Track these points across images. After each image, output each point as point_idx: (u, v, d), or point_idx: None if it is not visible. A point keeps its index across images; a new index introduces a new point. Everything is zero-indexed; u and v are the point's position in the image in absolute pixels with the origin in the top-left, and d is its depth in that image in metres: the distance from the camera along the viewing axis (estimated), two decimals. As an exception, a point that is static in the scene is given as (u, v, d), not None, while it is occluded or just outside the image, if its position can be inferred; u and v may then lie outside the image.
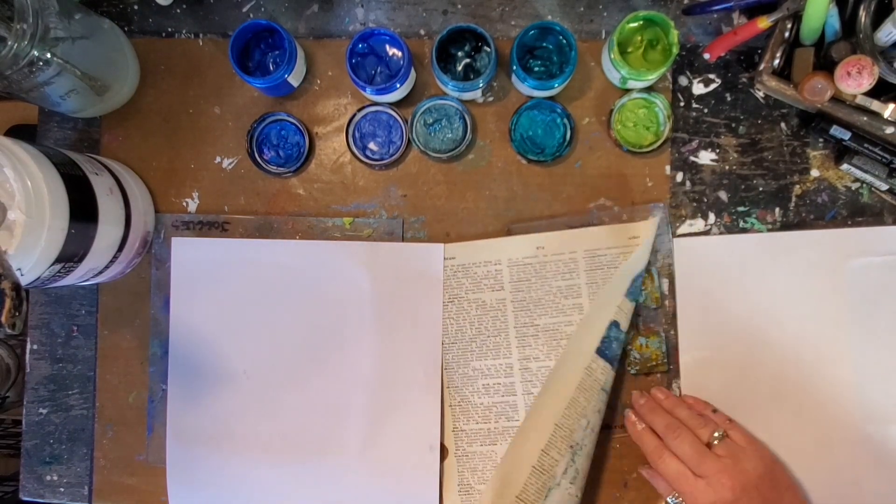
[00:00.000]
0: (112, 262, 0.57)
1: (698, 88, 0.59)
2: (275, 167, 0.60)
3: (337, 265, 0.60)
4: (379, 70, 0.59)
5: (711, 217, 0.59)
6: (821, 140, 0.59)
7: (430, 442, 0.58)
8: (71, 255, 0.50)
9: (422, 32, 0.61)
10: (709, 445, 0.53)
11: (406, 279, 0.59)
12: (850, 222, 0.59)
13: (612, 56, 0.54)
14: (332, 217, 0.60)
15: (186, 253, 0.61)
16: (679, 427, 0.54)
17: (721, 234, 0.59)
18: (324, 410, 0.60)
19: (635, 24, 0.55)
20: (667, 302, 0.59)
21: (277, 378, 0.60)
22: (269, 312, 0.60)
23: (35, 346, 0.63)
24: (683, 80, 0.59)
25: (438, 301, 0.59)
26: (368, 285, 0.60)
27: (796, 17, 0.53)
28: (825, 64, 0.53)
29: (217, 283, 0.61)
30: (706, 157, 0.59)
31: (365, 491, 0.59)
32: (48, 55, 0.49)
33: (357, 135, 0.60)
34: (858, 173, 0.57)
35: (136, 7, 0.62)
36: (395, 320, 0.59)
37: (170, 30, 0.62)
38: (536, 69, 0.58)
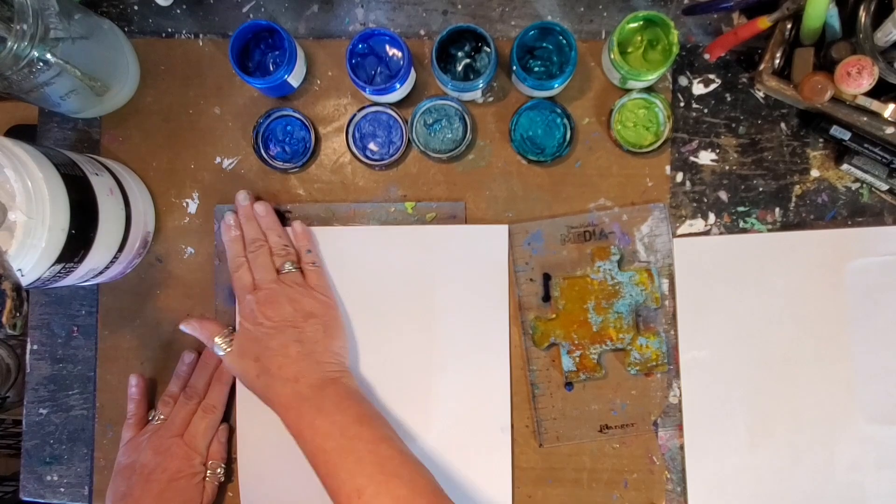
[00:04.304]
0: (112, 262, 0.57)
1: (698, 88, 0.59)
2: (281, 163, 0.60)
3: (402, 249, 0.60)
4: (379, 70, 0.59)
5: (711, 217, 0.59)
6: (821, 140, 0.59)
7: (501, 423, 0.59)
8: (71, 256, 0.50)
9: (422, 32, 0.61)
10: (279, 272, 0.56)
11: (472, 261, 0.59)
12: (850, 222, 0.59)
13: (612, 56, 0.54)
14: (394, 202, 0.60)
15: None
16: (264, 245, 0.56)
17: (721, 234, 0.59)
18: (397, 394, 0.60)
19: (635, 24, 0.55)
20: (667, 302, 0.59)
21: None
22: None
23: (35, 347, 0.63)
24: (683, 80, 0.59)
25: (504, 282, 0.59)
26: (434, 268, 0.60)
27: (796, 17, 0.53)
28: (825, 64, 0.53)
29: None
30: (706, 158, 0.59)
31: (436, 473, 0.59)
32: (48, 56, 0.49)
33: (357, 135, 0.60)
34: (858, 173, 0.57)
35: (136, 7, 0.62)
36: (463, 302, 0.60)
37: (170, 30, 0.62)
38: (536, 69, 0.58)
